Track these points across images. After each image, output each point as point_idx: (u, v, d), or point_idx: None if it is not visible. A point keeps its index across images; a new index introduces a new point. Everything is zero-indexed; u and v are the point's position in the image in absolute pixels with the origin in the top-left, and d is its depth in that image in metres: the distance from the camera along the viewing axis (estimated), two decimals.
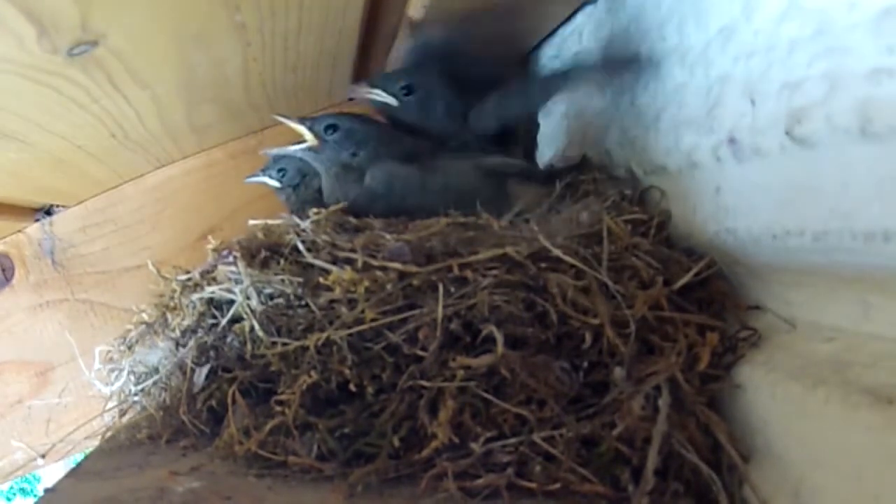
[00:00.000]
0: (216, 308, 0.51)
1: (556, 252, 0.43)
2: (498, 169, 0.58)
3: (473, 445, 0.38)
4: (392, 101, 0.56)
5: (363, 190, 0.56)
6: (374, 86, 0.58)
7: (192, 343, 0.50)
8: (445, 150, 0.60)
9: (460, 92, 0.59)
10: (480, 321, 0.41)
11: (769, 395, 0.36)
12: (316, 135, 0.56)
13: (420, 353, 0.41)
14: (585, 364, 0.41)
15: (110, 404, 0.56)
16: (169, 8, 0.42)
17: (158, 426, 0.49)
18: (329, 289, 0.45)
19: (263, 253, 0.51)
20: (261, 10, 0.46)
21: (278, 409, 0.43)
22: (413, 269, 0.44)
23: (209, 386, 0.48)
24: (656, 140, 0.49)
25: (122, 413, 0.54)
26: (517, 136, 0.73)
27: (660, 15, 0.48)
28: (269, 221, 0.55)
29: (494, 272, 0.43)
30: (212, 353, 0.49)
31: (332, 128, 0.55)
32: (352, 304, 0.44)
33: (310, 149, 0.57)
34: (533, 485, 0.36)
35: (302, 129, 0.56)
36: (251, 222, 0.56)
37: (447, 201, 0.52)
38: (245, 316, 0.47)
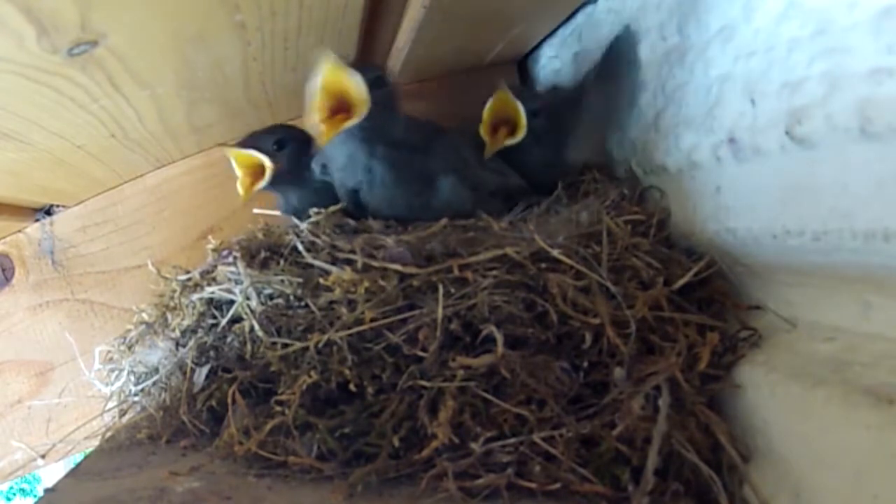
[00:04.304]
0: (216, 308, 0.51)
1: (554, 253, 0.43)
2: (496, 191, 0.57)
3: (473, 445, 0.38)
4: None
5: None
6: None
7: (192, 343, 0.50)
8: (440, 146, 0.58)
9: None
10: (480, 321, 0.41)
11: (769, 395, 0.36)
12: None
13: (420, 353, 0.41)
14: (585, 364, 0.41)
15: (110, 404, 0.56)
16: (169, 8, 0.42)
17: (158, 426, 0.49)
18: (329, 289, 0.45)
19: (263, 253, 0.51)
20: (261, 10, 0.46)
21: (278, 409, 0.43)
22: (413, 269, 0.44)
23: (209, 386, 0.48)
24: (656, 140, 0.49)
25: (122, 413, 0.54)
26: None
27: (660, 15, 0.48)
28: (270, 213, 0.56)
29: (494, 272, 0.43)
30: (212, 353, 0.49)
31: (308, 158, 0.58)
32: (352, 304, 0.44)
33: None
34: (533, 485, 0.36)
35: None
36: (256, 211, 0.58)
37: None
38: (245, 316, 0.47)
